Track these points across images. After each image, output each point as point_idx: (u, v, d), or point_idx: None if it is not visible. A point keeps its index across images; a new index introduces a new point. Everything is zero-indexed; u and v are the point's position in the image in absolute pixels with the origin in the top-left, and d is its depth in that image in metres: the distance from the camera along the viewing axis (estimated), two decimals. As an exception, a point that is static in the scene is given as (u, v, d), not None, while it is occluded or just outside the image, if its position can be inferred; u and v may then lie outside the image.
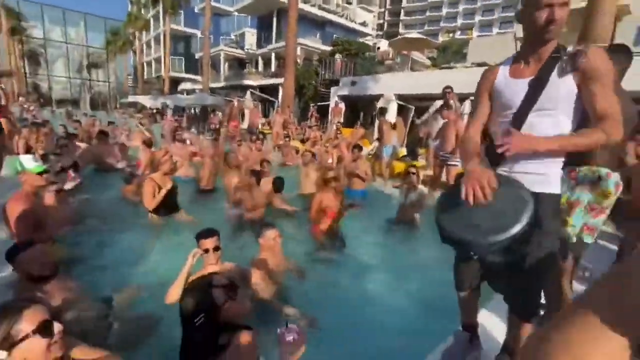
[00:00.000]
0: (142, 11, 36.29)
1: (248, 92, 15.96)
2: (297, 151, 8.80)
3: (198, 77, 34.10)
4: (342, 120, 11.78)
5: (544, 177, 1.25)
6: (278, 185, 4.35)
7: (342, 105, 12.47)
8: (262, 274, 2.38)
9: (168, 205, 3.67)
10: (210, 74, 25.98)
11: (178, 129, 8.85)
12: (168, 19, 26.86)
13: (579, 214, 1.80)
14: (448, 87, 5.58)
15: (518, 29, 14.15)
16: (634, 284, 0.27)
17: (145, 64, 44.86)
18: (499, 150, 1.09)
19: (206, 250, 2.12)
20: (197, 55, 36.79)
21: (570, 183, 1.83)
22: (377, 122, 8.08)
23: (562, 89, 1.20)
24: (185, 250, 2.00)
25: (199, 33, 38.82)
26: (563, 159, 1.26)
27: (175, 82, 35.23)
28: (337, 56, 18.23)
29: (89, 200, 4.27)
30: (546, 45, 1.22)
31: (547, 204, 1.24)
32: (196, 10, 37.32)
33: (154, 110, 22.23)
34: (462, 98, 8.36)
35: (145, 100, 26.46)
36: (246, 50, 30.95)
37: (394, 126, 8.16)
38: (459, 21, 50.21)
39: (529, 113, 1.23)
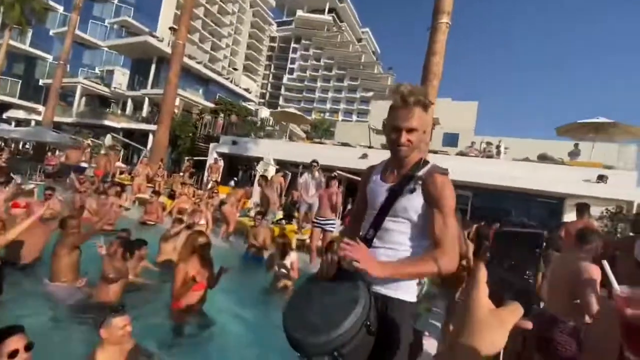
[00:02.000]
0: (-34, 15, 28.58)
1: (109, 135, 13.90)
2: (164, 208, 7.90)
3: (39, 107, 27.84)
4: (219, 178, 11.45)
5: (395, 284, 1.24)
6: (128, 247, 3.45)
7: (221, 163, 12.25)
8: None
9: None
10: (59, 105, 21.70)
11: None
12: (8, 33, 21.82)
13: None
14: (314, 160, 6.39)
15: (371, 120, 17.84)
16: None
17: (-48, 77, 33.94)
18: (340, 254, 1.05)
19: (13, 355, 1.50)
20: (42, 82, 30.50)
21: None
22: (259, 189, 8.20)
23: (412, 203, 1.25)
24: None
25: (50, 58, 32.82)
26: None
27: (1, 107, 27.62)
28: (222, 115, 18.35)
29: None
30: (407, 158, 1.28)
31: (397, 309, 1.22)
32: (51, 33, 32.00)
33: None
34: (330, 169, 9.59)
35: (-60, 123, 19.43)
36: (113, 89, 27.70)
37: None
38: (328, 105, 59.60)
39: (386, 217, 1.28)
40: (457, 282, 4.27)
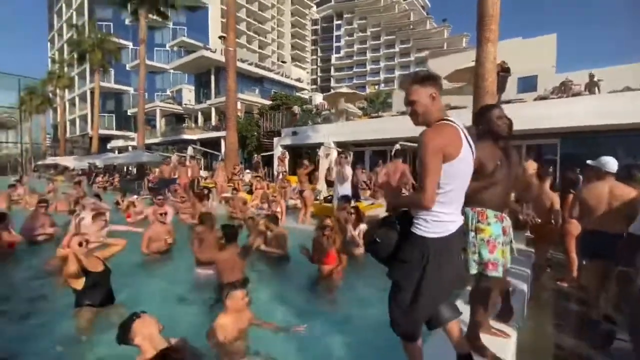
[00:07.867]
0: (66, 69, 34.59)
1: (190, 147, 15.70)
2: (245, 203, 8.77)
3: (131, 134, 32.61)
4: (286, 169, 12.12)
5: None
6: (228, 234, 3.68)
7: (287, 155, 12.92)
8: (223, 337, 2.29)
9: (96, 295, 2.86)
10: (145, 130, 25.12)
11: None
12: (97, 76, 25.88)
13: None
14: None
15: (430, 83, 16.60)
16: None
17: (68, 122, 41.70)
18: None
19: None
20: (129, 112, 35.54)
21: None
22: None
23: None
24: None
25: (131, 90, 37.93)
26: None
27: (104, 140, 33.12)
28: (282, 109, 19.18)
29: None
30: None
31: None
32: (128, 68, 36.80)
33: (79, 172, 20.34)
34: (391, 142, 9.36)
35: (68, 161, 24.23)
36: (184, 106, 30.88)
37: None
38: (382, 75, 57.01)
39: None
40: (548, 236, 3.98)
